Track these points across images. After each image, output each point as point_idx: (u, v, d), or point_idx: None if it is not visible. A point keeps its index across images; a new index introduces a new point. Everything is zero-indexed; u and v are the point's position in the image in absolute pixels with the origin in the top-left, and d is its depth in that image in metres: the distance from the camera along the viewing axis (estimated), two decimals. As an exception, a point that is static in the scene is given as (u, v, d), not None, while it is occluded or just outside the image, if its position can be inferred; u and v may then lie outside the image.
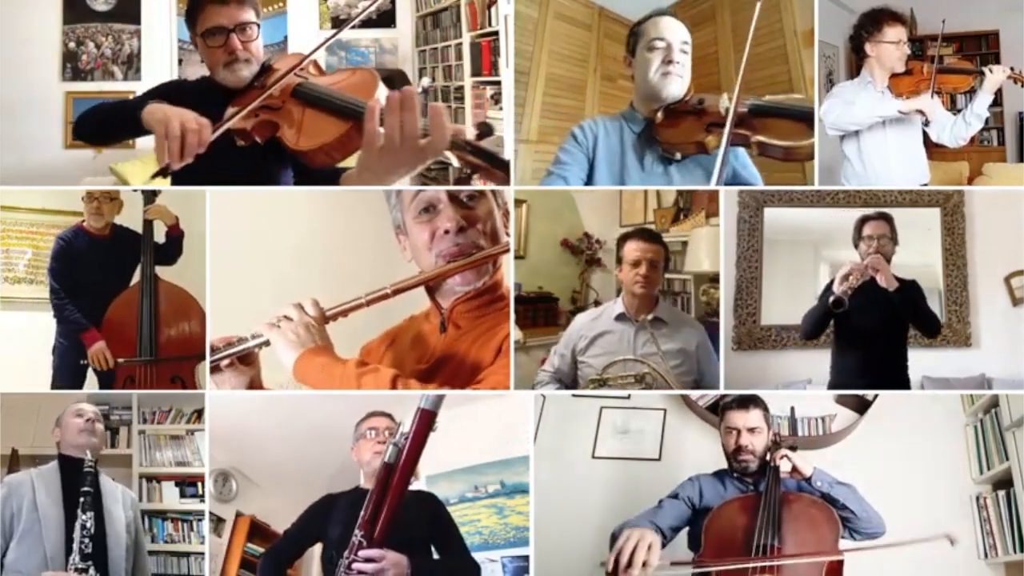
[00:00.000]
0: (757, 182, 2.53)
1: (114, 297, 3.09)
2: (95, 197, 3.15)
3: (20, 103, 4.52)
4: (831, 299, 2.64)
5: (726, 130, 2.24)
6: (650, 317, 2.69)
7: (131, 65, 4.77)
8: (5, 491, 2.45)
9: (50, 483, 2.49)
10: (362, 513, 2.00)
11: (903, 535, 2.41)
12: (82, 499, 2.42)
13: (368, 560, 1.97)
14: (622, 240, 2.79)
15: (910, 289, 2.76)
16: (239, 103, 2.24)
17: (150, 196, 3.15)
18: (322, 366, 1.86)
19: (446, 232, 1.94)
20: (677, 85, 2.44)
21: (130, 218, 3.22)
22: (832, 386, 2.89)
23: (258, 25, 2.36)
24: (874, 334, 2.75)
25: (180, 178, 2.43)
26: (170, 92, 2.40)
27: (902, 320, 2.77)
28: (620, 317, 2.74)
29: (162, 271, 3.17)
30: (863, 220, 2.83)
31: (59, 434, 2.60)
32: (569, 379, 2.77)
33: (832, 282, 2.74)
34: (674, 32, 2.45)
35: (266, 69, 2.37)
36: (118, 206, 3.20)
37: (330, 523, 2.30)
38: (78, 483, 2.45)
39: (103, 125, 2.36)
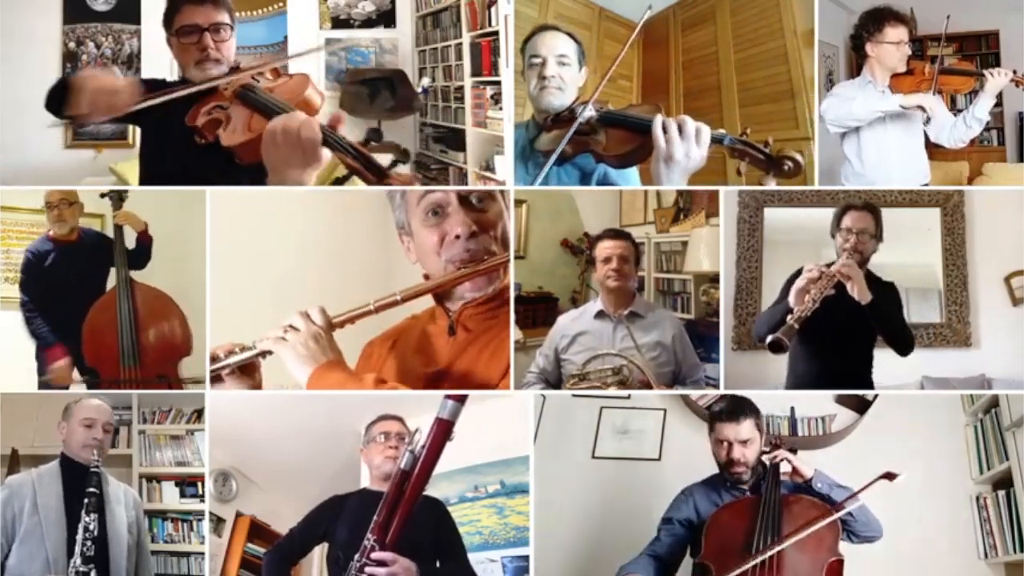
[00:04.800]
0: (626, 183, 2.54)
1: (90, 303, 3.06)
2: (54, 204, 3.11)
3: (20, 103, 4.51)
4: (769, 340, 2.32)
5: (567, 136, 2.34)
6: (626, 312, 2.75)
7: (131, 65, 4.76)
8: (7, 493, 2.41)
9: (51, 484, 2.45)
10: (375, 517, 2.00)
11: (903, 535, 2.41)
12: (87, 500, 2.39)
13: (380, 564, 1.97)
14: (594, 242, 2.87)
15: (885, 301, 2.50)
16: (204, 102, 2.28)
17: (117, 200, 3.13)
18: (338, 383, 1.83)
19: (457, 237, 1.89)
20: (555, 98, 2.51)
21: (95, 215, 3.22)
22: (790, 387, 2.74)
23: (231, 27, 2.41)
24: (837, 344, 2.54)
25: (150, 172, 2.49)
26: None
27: (871, 329, 2.53)
28: (599, 315, 2.80)
29: (145, 272, 3.15)
30: (845, 208, 2.61)
31: (65, 431, 2.54)
32: (554, 378, 2.82)
33: (790, 282, 2.49)
34: (550, 47, 2.52)
35: (235, 71, 2.41)
36: (79, 209, 3.17)
37: (337, 523, 2.31)
38: (83, 484, 2.42)
39: (54, 94, 2.31)
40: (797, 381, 2.68)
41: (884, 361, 2.67)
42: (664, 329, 2.75)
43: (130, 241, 3.17)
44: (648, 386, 2.61)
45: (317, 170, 2.05)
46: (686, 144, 2.19)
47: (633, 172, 2.53)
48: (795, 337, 2.41)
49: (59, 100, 2.21)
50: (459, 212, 1.89)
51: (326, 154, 2.02)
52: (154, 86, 2.45)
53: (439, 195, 1.92)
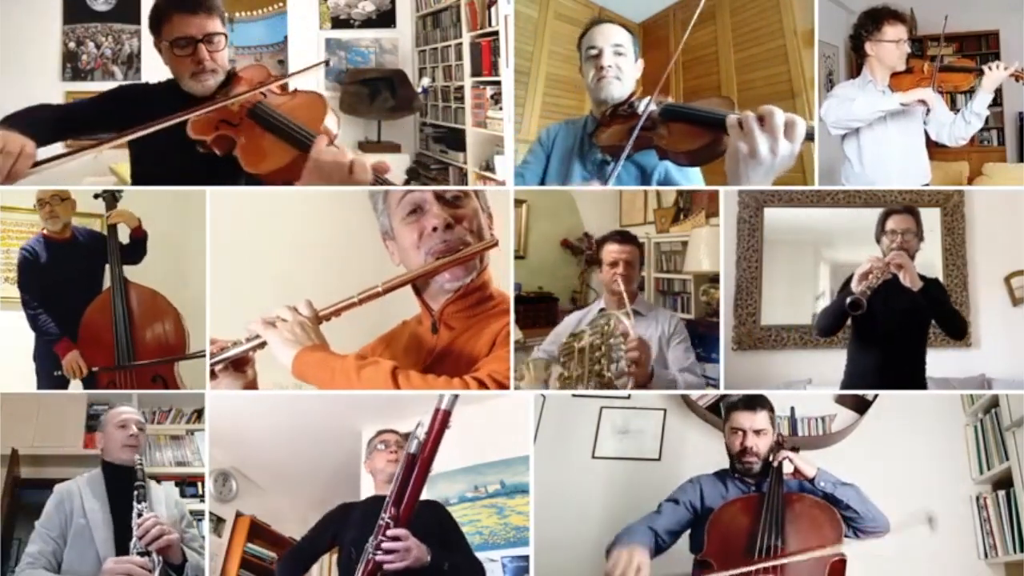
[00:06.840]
0: (689, 182, 2.49)
1: (87, 301, 3.07)
2: (46, 201, 3.10)
3: (20, 103, 4.50)
4: (848, 300, 2.53)
5: (635, 132, 2.25)
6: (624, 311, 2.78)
7: (131, 65, 4.77)
8: (57, 498, 2.53)
9: (96, 489, 2.54)
10: (388, 496, 2.08)
11: (903, 535, 2.41)
12: (136, 492, 2.46)
13: (395, 539, 2.05)
14: (600, 243, 2.88)
15: (934, 288, 2.68)
16: (208, 114, 2.29)
17: (111, 200, 3.13)
18: (321, 360, 1.88)
19: (434, 229, 1.98)
20: (615, 87, 2.50)
21: (92, 214, 3.22)
22: (845, 386, 2.84)
23: (225, 35, 2.38)
24: (894, 334, 2.67)
25: (142, 174, 2.53)
26: (135, 94, 2.49)
27: (924, 320, 2.70)
28: (601, 312, 2.81)
29: (140, 272, 3.15)
30: (887, 213, 2.72)
31: (102, 441, 2.63)
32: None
33: (851, 279, 2.63)
34: (606, 37, 2.51)
35: (231, 78, 2.40)
36: (71, 205, 3.15)
37: (346, 528, 2.36)
38: (125, 484, 2.50)
39: None
40: (854, 379, 2.78)
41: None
42: (652, 329, 2.80)
43: (124, 238, 3.16)
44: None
45: None
46: (770, 139, 1.93)
47: (697, 172, 2.46)
48: (853, 336, 2.74)
49: None
50: (435, 207, 1.99)
51: None
52: (136, 89, 2.46)
53: (417, 195, 2.01)
